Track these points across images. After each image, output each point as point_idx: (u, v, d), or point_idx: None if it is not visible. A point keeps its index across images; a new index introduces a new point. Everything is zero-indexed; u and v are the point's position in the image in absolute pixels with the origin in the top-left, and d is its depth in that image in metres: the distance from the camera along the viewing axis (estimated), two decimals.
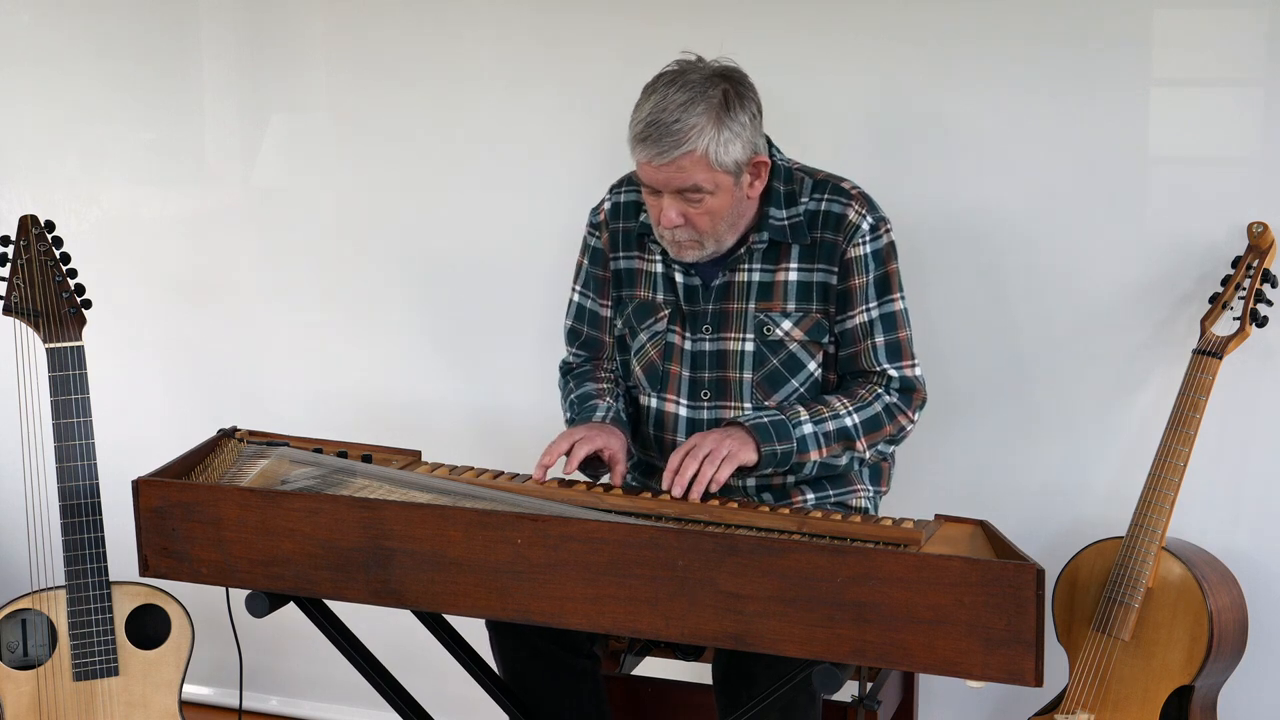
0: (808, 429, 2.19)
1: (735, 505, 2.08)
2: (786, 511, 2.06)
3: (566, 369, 2.50)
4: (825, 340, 2.28)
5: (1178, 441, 2.37)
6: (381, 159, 3.04)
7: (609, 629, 1.90)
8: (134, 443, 2.92)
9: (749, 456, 2.13)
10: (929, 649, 1.77)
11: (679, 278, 2.31)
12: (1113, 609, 2.40)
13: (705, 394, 2.31)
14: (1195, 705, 2.39)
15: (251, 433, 2.32)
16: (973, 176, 2.62)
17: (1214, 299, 2.44)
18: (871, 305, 2.25)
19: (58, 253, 2.60)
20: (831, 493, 2.33)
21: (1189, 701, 2.38)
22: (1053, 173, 2.58)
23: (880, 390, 2.27)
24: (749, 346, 2.28)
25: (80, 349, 2.57)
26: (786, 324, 2.27)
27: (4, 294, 2.58)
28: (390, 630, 2.53)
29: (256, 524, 2.01)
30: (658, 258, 2.33)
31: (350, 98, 3.04)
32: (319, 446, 2.28)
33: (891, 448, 2.32)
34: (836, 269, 2.25)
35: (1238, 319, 2.40)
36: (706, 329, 2.30)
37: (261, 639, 2.86)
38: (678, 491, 2.09)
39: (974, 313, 2.67)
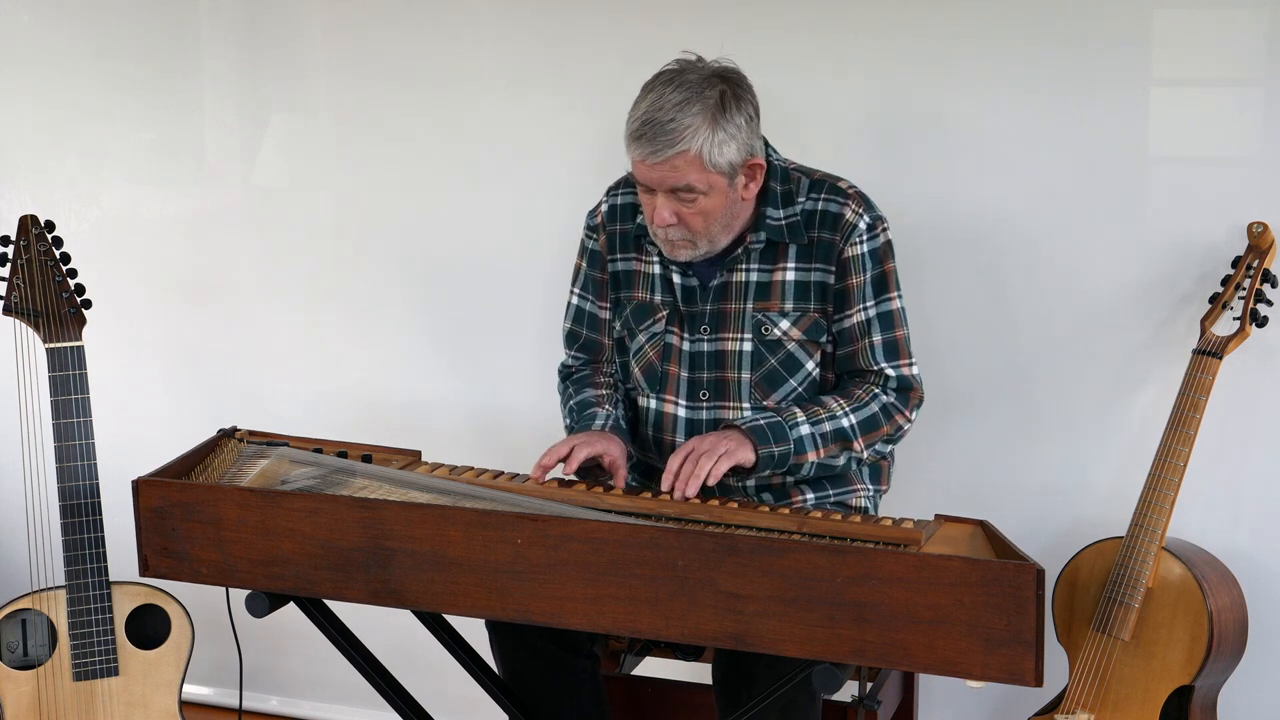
0: (804, 430, 2.19)
1: (735, 505, 2.08)
2: (786, 511, 2.06)
3: (566, 373, 2.50)
4: (823, 340, 2.28)
5: (1178, 441, 2.37)
6: (381, 159, 3.04)
7: (609, 629, 1.90)
8: (134, 443, 2.92)
9: (746, 456, 2.14)
10: (929, 649, 1.77)
11: (677, 279, 2.31)
12: (1113, 609, 2.40)
13: (704, 394, 2.31)
14: (1195, 705, 2.39)
15: (251, 433, 2.32)
16: (973, 176, 2.62)
17: (1214, 299, 2.44)
18: (869, 304, 2.26)
19: (58, 253, 2.60)
20: (831, 492, 2.33)
21: (1189, 701, 2.38)
22: (1053, 173, 2.58)
23: (877, 390, 2.27)
24: (747, 346, 2.28)
25: (80, 349, 2.57)
26: (784, 324, 2.27)
27: (4, 294, 2.58)
28: (390, 630, 2.53)
29: (256, 524, 2.01)
30: (655, 259, 2.33)
31: (350, 98, 3.04)
32: (319, 446, 2.28)
33: (889, 447, 2.32)
34: (834, 268, 2.25)
35: (1238, 319, 2.40)
36: (704, 329, 2.30)
37: (261, 639, 2.86)
38: (677, 494, 2.09)
39: (974, 312, 2.67)
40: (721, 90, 2.14)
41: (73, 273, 2.60)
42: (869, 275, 2.25)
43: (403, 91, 2.99)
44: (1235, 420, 2.52)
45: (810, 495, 2.31)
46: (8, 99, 3.29)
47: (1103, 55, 2.52)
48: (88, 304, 2.60)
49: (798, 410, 2.21)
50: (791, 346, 2.28)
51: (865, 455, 2.27)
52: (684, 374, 2.32)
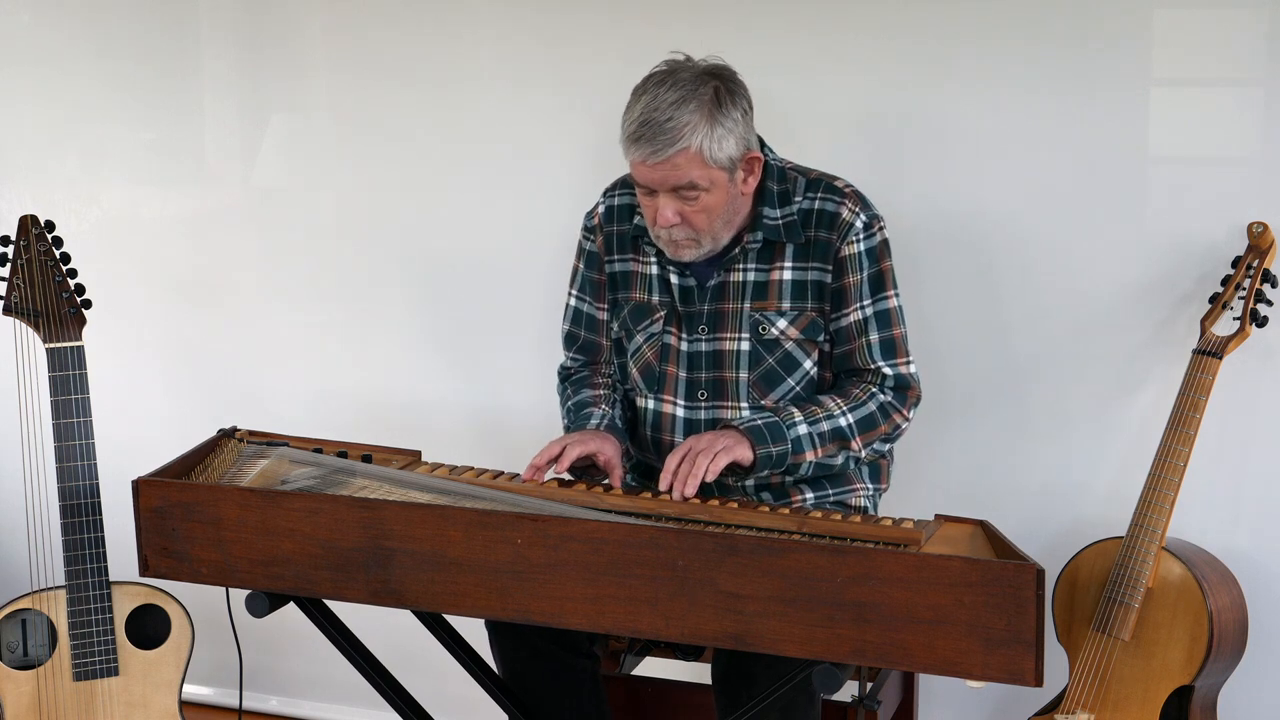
0: (802, 430, 2.19)
1: (735, 505, 2.08)
2: (786, 511, 2.06)
3: (565, 374, 2.50)
4: (821, 339, 2.28)
5: (1178, 441, 2.37)
6: (381, 159, 3.04)
7: (609, 629, 1.90)
8: (134, 443, 2.92)
9: (744, 453, 2.14)
10: (929, 649, 1.77)
11: (674, 279, 2.31)
12: (1113, 609, 2.40)
13: (702, 394, 2.31)
14: (1195, 705, 2.39)
15: (251, 433, 2.32)
16: (973, 176, 2.62)
17: (1214, 299, 2.44)
18: (866, 303, 2.26)
19: (58, 253, 2.60)
20: (831, 492, 2.33)
21: (1189, 701, 2.38)
22: (1052, 173, 2.58)
23: (875, 389, 2.27)
24: (745, 346, 2.28)
25: (80, 349, 2.57)
26: (782, 323, 2.27)
27: (4, 294, 2.58)
28: (390, 630, 2.53)
29: (256, 524, 2.01)
30: (652, 259, 2.34)
31: (350, 98, 3.04)
32: (319, 446, 2.28)
33: (887, 446, 2.32)
34: (831, 267, 2.25)
35: (1238, 319, 2.40)
36: (702, 329, 2.30)
37: (261, 639, 2.86)
38: (675, 494, 2.09)
39: (975, 313, 2.67)
40: (715, 86, 2.14)
41: (73, 273, 2.60)
42: (866, 274, 2.25)
43: (403, 91, 2.99)
44: (1235, 420, 2.52)
45: (810, 494, 2.31)
46: (8, 99, 3.29)
47: (1103, 55, 2.52)
48: (88, 304, 2.60)
49: (795, 410, 2.21)
50: (789, 346, 2.28)
51: (863, 454, 2.27)
52: (682, 374, 2.32)
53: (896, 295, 2.29)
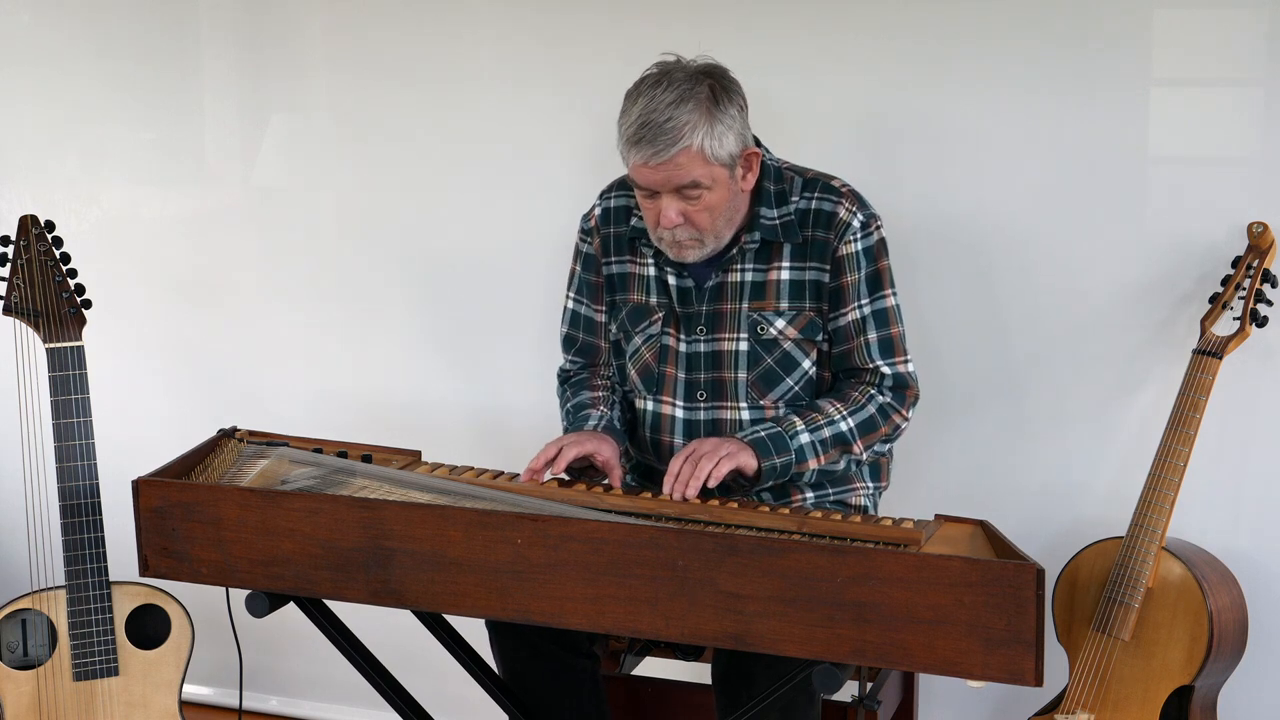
0: (804, 439, 2.19)
1: (735, 505, 2.08)
2: (786, 511, 2.06)
3: (564, 377, 2.50)
4: (819, 338, 2.28)
5: (1178, 441, 2.37)
6: (381, 159, 3.04)
7: (609, 629, 1.90)
8: (134, 443, 2.92)
9: (747, 462, 2.14)
10: (929, 649, 1.77)
11: (672, 280, 2.31)
12: (1113, 609, 2.40)
13: (701, 395, 2.31)
14: (1195, 705, 2.39)
15: (251, 433, 2.32)
16: (973, 177, 2.62)
17: (1214, 299, 2.44)
18: (863, 302, 2.26)
19: (58, 253, 2.60)
20: (831, 491, 2.33)
21: (1189, 701, 2.38)
22: (1052, 173, 2.58)
23: (873, 391, 2.27)
24: (743, 346, 2.28)
25: (80, 349, 2.57)
26: (780, 323, 2.27)
27: (4, 294, 2.58)
28: (390, 630, 2.53)
29: (256, 524, 2.01)
30: (650, 261, 2.34)
31: (350, 98, 3.04)
32: (319, 446, 2.28)
33: (887, 446, 2.33)
34: (828, 267, 2.25)
35: (1238, 319, 2.40)
36: (701, 330, 2.30)
37: (261, 639, 2.86)
38: (676, 495, 2.09)
39: (974, 313, 2.67)
40: (710, 84, 2.14)
41: (73, 273, 2.60)
42: (863, 273, 2.25)
43: (403, 91, 2.99)
44: (1235, 420, 2.52)
45: (810, 494, 2.31)
46: (8, 99, 3.29)
47: (1103, 55, 2.52)
48: (88, 304, 2.60)
49: (796, 419, 2.21)
50: (788, 345, 2.28)
51: (864, 457, 2.27)
52: (681, 375, 2.32)
53: (894, 294, 2.29)
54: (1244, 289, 2.41)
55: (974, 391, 2.69)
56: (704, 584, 1.83)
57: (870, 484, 2.38)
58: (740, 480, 2.17)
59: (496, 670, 2.36)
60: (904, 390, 2.29)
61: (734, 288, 2.28)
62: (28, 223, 2.57)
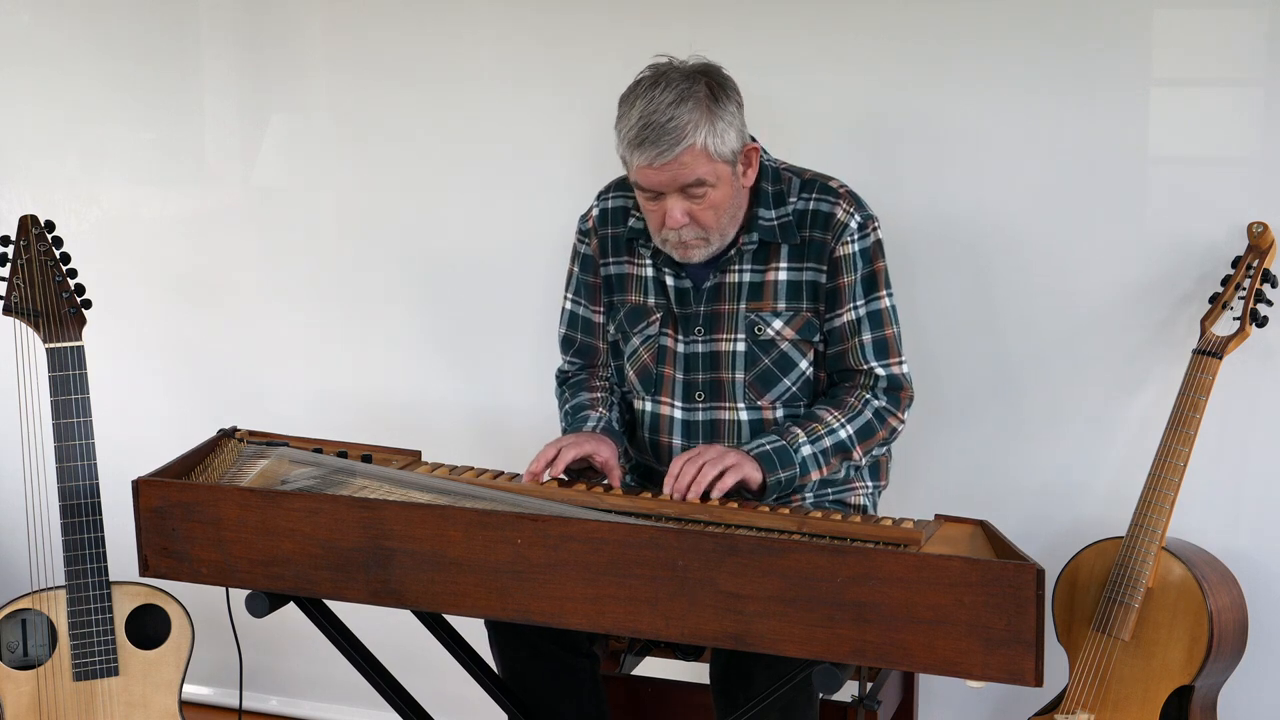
0: (807, 451, 2.19)
1: (735, 505, 2.08)
2: (786, 511, 2.06)
3: (563, 378, 2.50)
4: (816, 339, 2.29)
5: (1178, 441, 2.37)
6: (381, 159, 3.04)
7: (609, 629, 1.90)
8: (134, 443, 2.92)
9: (752, 474, 2.13)
10: (929, 649, 1.77)
11: (670, 280, 2.31)
12: (1113, 609, 2.40)
13: (699, 395, 2.31)
14: (1195, 705, 2.39)
15: (251, 433, 2.32)
16: (973, 177, 2.62)
17: (1214, 299, 2.44)
18: (859, 303, 2.26)
19: (58, 253, 2.60)
20: (830, 490, 2.33)
21: (1189, 701, 2.38)
22: (1052, 173, 2.58)
23: (868, 395, 2.27)
24: (740, 347, 2.28)
25: (80, 349, 2.57)
26: (777, 323, 2.27)
27: (4, 294, 2.58)
28: (390, 630, 2.53)
29: (256, 524, 2.01)
30: (648, 261, 2.34)
31: (350, 98, 3.04)
32: (319, 446, 2.28)
33: (884, 449, 2.33)
34: (825, 267, 2.25)
35: (1238, 319, 2.40)
36: (699, 330, 2.30)
37: (261, 639, 2.86)
38: (676, 495, 2.09)
39: (974, 313, 2.67)
40: (707, 82, 2.15)
41: (73, 273, 2.60)
42: (859, 274, 2.25)
43: (403, 91, 2.99)
44: (1235, 420, 2.52)
45: (809, 493, 2.31)
46: (8, 99, 3.29)
47: (1103, 55, 2.52)
48: (88, 304, 2.60)
49: (798, 431, 2.21)
50: (785, 346, 2.28)
51: (863, 462, 2.29)
52: (679, 375, 2.32)
53: (890, 295, 2.29)
54: (1244, 289, 2.41)
55: (974, 391, 2.69)
56: (704, 584, 1.83)
57: (870, 483, 2.38)
58: (744, 493, 2.17)
59: (496, 670, 2.36)
60: (898, 392, 2.29)
61: (731, 288, 2.28)
62: (28, 223, 2.57)
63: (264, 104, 3.12)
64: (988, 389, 2.68)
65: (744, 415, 2.29)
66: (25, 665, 2.58)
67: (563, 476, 2.20)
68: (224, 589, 2.14)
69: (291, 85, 3.10)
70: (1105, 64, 2.52)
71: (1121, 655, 2.41)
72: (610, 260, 2.39)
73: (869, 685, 2.32)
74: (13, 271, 2.57)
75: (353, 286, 3.11)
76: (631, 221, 2.34)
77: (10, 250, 2.58)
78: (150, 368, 3.29)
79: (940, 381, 2.67)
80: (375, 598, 1.98)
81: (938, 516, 2.12)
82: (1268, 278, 2.41)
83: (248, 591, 2.06)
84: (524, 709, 2.31)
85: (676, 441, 2.33)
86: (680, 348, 2.32)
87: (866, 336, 2.27)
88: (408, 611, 2.11)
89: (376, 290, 3.09)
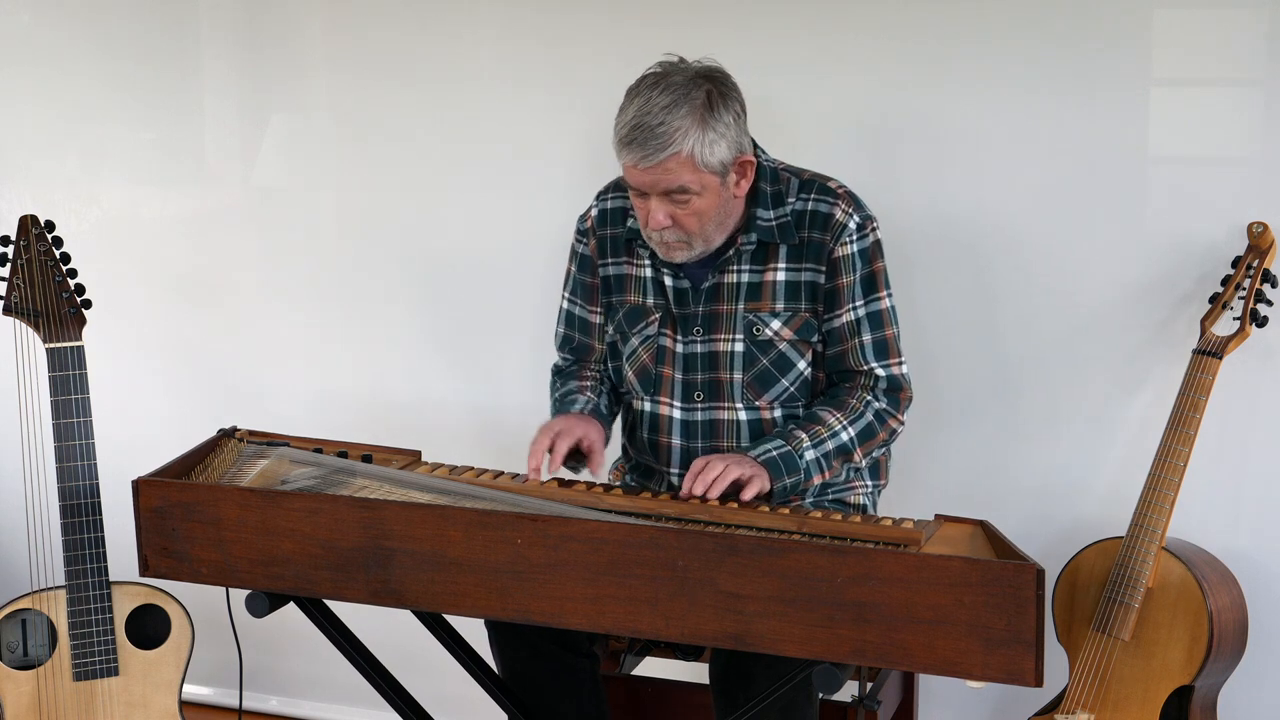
0: (810, 455, 2.19)
1: (735, 505, 2.08)
2: (786, 511, 2.07)
3: (556, 371, 2.51)
4: (814, 339, 2.29)
5: (1178, 441, 2.37)
6: (381, 159, 3.04)
7: (609, 629, 1.90)
8: (134, 443, 2.92)
9: (765, 485, 2.14)
10: (929, 649, 1.77)
11: (668, 281, 2.31)
12: (1113, 609, 2.40)
13: (698, 395, 2.31)
14: (1195, 705, 2.39)
15: (251, 433, 2.32)
16: (972, 177, 2.62)
17: (1214, 299, 2.44)
18: (858, 303, 2.26)
19: (58, 253, 2.60)
20: (830, 490, 2.33)
21: (1189, 701, 2.38)
22: (1052, 173, 2.58)
23: (869, 397, 2.27)
24: (739, 347, 2.28)
25: (80, 349, 2.57)
26: (775, 324, 2.27)
27: (4, 294, 2.58)
28: (390, 630, 2.53)
29: (256, 524, 2.01)
30: (646, 262, 2.34)
31: (350, 98, 3.04)
32: (319, 446, 2.28)
33: (883, 450, 2.33)
34: (824, 268, 2.25)
35: (1238, 319, 2.40)
36: (697, 330, 2.30)
37: (261, 639, 2.86)
38: (698, 491, 2.08)
39: (975, 313, 2.67)
40: (708, 90, 2.14)
41: (73, 273, 2.60)
42: (858, 275, 2.25)
43: (403, 91, 2.99)
44: (1235, 420, 2.52)
45: (808, 494, 2.31)
46: (8, 99, 3.29)
47: (1103, 55, 2.52)
48: (88, 304, 2.60)
49: (802, 435, 2.21)
50: (783, 346, 2.28)
51: (863, 464, 2.29)
52: (678, 376, 2.32)
53: (889, 296, 2.29)
54: (1244, 289, 2.41)
55: (974, 392, 2.69)
56: (704, 584, 1.83)
57: (869, 482, 2.38)
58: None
59: (496, 670, 2.36)
60: (898, 393, 2.29)
61: (730, 288, 2.28)
62: (28, 223, 2.57)
63: (264, 104, 3.12)
64: (987, 389, 2.68)
65: (742, 415, 2.29)
66: (25, 665, 2.58)
67: (560, 470, 2.21)
68: (224, 589, 2.14)
69: (291, 85, 3.10)
70: (1105, 64, 2.52)
71: (1121, 655, 2.41)
72: (609, 261, 2.39)
73: (869, 685, 2.32)
74: (13, 271, 2.57)
75: (353, 286, 3.11)
76: (630, 222, 2.34)
77: (10, 250, 2.58)
78: (150, 368, 3.29)
79: (940, 381, 2.67)
80: (375, 598, 1.98)
81: (938, 516, 2.12)
82: (1268, 278, 2.41)
83: (248, 591, 2.06)
84: (524, 709, 2.31)
85: (676, 442, 2.33)
86: (679, 348, 2.32)
87: (866, 337, 2.27)
88: (408, 611, 2.11)
89: (376, 290, 3.09)
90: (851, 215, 2.25)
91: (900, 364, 2.30)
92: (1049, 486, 2.66)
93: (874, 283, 2.27)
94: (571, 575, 1.88)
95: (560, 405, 2.38)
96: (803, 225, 2.26)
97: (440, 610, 2.00)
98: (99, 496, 2.56)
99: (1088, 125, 2.54)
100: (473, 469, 2.23)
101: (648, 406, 2.36)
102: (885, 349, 2.28)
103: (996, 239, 2.63)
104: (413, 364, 3.09)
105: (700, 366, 2.31)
